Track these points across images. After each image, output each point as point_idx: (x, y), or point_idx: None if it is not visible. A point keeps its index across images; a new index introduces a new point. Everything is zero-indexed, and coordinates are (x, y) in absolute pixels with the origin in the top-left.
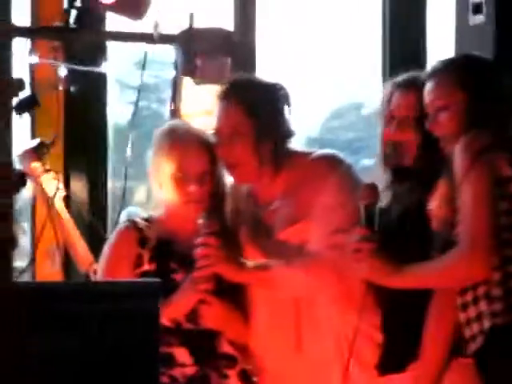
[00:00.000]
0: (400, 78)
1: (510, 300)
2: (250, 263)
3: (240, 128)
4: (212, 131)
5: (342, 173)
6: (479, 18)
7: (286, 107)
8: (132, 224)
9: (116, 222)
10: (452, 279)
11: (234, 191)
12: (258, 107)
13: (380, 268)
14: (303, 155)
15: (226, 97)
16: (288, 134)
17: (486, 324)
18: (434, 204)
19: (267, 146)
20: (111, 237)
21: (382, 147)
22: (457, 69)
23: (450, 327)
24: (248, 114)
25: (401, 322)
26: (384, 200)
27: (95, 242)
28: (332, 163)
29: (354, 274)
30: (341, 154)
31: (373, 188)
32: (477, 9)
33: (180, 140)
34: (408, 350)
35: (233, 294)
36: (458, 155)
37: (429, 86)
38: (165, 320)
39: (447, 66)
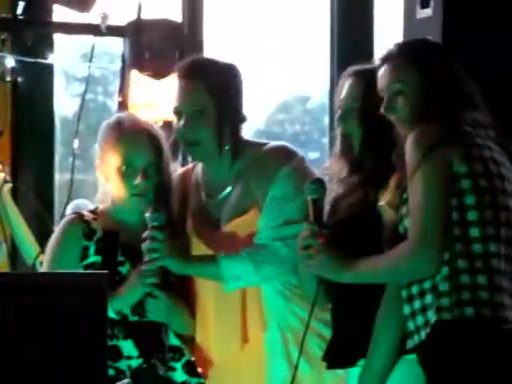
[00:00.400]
0: (350, 68)
1: (458, 295)
2: (196, 256)
3: (202, 106)
4: (159, 121)
5: (295, 166)
6: (426, 12)
7: (241, 90)
8: (78, 216)
9: (63, 214)
10: (401, 274)
11: (183, 182)
12: (220, 86)
13: (330, 263)
14: (256, 145)
15: (187, 75)
16: (243, 118)
17: (432, 317)
18: (386, 199)
19: (228, 126)
20: (57, 229)
21: (336, 138)
22: (413, 51)
23: (399, 323)
24: (210, 92)
25: (351, 316)
26: (338, 191)
27: (42, 234)
28: (285, 155)
29: (305, 268)
30: (293, 147)
31: (320, 182)
32: (424, 3)
33: (125, 133)
34: (358, 345)
35: (179, 286)
36: (409, 148)
37: (384, 69)
38: (111, 312)
39: (403, 49)
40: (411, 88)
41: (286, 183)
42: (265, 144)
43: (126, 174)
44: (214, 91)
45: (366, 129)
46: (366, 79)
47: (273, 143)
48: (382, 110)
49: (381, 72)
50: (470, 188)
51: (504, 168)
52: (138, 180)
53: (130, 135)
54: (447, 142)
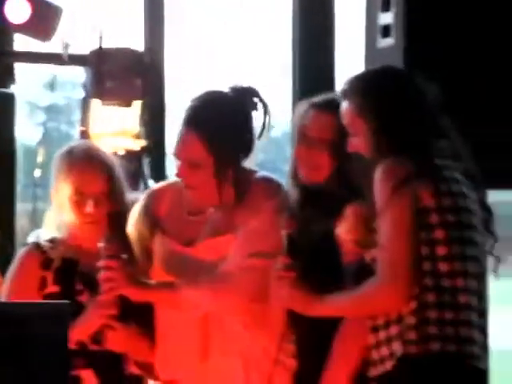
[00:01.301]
0: (316, 98)
1: (425, 329)
2: (154, 283)
3: (198, 160)
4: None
5: (279, 202)
6: (388, 41)
7: (251, 119)
8: (35, 246)
9: (25, 243)
10: (370, 309)
11: (158, 200)
12: (219, 140)
13: (300, 297)
14: (245, 172)
15: (187, 125)
16: (248, 153)
17: (397, 348)
18: (343, 229)
19: (226, 175)
20: (15, 260)
21: (293, 166)
22: (370, 84)
23: (357, 352)
24: (208, 147)
25: (314, 347)
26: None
27: (4, 264)
28: (272, 190)
29: (275, 301)
30: (279, 181)
31: (294, 216)
32: (385, 32)
33: (76, 161)
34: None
35: (140, 312)
36: (378, 182)
37: (343, 107)
38: (70, 342)
39: (359, 83)
40: (361, 132)
41: (267, 217)
42: (253, 172)
43: (78, 202)
44: (212, 147)
45: (337, 160)
46: (333, 111)
47: (262, 174)
48: (348, 144)
49: (343, 108)
50: (438, 223)
51: (471, 201)
52: (89, 208)
53: (81, 164)
54: (415, 176)
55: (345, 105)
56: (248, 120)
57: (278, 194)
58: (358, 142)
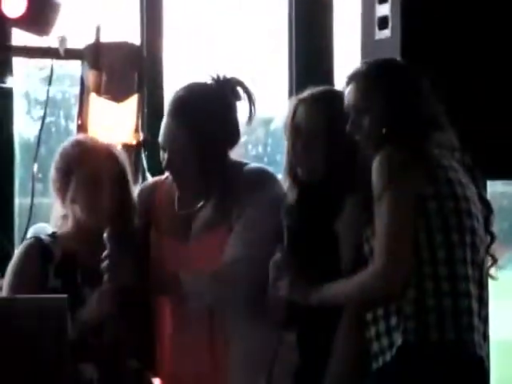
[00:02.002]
0: (305, 92)
1: (423, 318)
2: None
3: (184, 152)
4: (118, 144)
5: (274, 190)
6: (385, 33)
7: (235, 108)
8: (36, 240)
9: (23, 238)
10: (369, 295)
11: (151, 195)
12: (203, 131)
13: (300, 286)
14: (237, 165)
15: (171, 114)
16: (234, 143)
17: (397, 339)
18: (341, 223)
19: (213, 165)
20: (15, 254)
21: (288, 163)
22: (379, 71)
23: (357, 344)
24: (192, 137)
25: (315, 340)
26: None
27: (2, 259)
28: (266, 179)
29: (275, 292)
30: (272, 170)
31: (294, 209)
32: (382, 23)
33: (89, 151)
34: (322, 369)
35: (142, 305)
36: (375, 171)
37: (350, 88)
38: (71, 335)
39: (369, 68)
40: (376, 107)
41: (263, 207)
42: (245, 164)
43: (93, 189)
44: (197, 136)
45: (332, 155)
46: (326, 103)
47: (254, 165)
48: (347, 127)
49: (347, 90)
50: (436, 210)
51: (469, 190)
52: (103, 197)
53: (94, 154)
54: (413, 164)
55: (353, 86)
56: (231, 110)
57: (272, 184)
58: (367, 120)
